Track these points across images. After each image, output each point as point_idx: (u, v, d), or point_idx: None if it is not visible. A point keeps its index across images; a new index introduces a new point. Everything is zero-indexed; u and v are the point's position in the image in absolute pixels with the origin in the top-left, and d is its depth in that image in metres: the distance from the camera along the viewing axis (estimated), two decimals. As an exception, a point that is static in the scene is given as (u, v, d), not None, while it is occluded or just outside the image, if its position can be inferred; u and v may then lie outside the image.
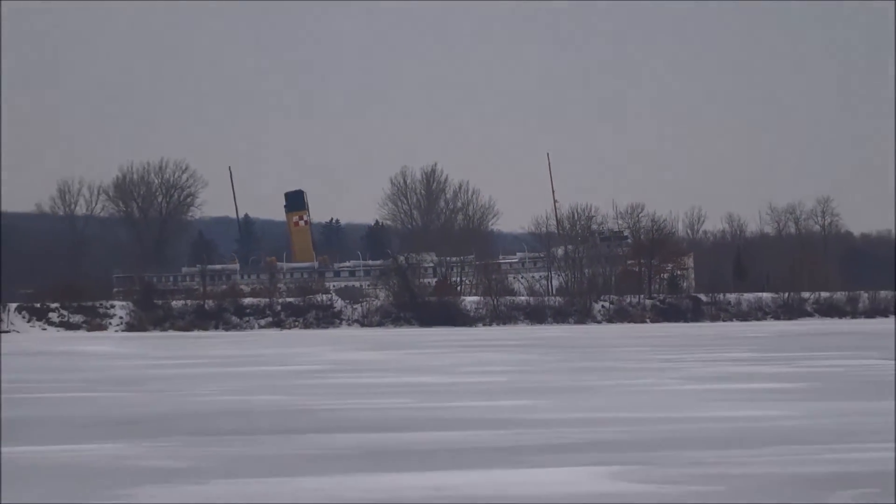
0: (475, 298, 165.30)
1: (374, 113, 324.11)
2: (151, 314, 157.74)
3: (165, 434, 30.65)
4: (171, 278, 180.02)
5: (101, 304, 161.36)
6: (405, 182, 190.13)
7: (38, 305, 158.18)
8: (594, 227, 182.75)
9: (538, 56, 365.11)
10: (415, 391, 45.02)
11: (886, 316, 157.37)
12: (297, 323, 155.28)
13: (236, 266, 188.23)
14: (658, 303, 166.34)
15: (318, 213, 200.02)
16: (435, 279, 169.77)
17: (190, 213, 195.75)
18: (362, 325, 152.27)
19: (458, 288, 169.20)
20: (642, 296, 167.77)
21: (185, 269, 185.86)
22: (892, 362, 58.76)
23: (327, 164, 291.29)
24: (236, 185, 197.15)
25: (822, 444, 25.90)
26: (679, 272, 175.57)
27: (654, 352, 75.75)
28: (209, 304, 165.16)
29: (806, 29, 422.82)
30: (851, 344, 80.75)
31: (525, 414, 35.04)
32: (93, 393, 47.36)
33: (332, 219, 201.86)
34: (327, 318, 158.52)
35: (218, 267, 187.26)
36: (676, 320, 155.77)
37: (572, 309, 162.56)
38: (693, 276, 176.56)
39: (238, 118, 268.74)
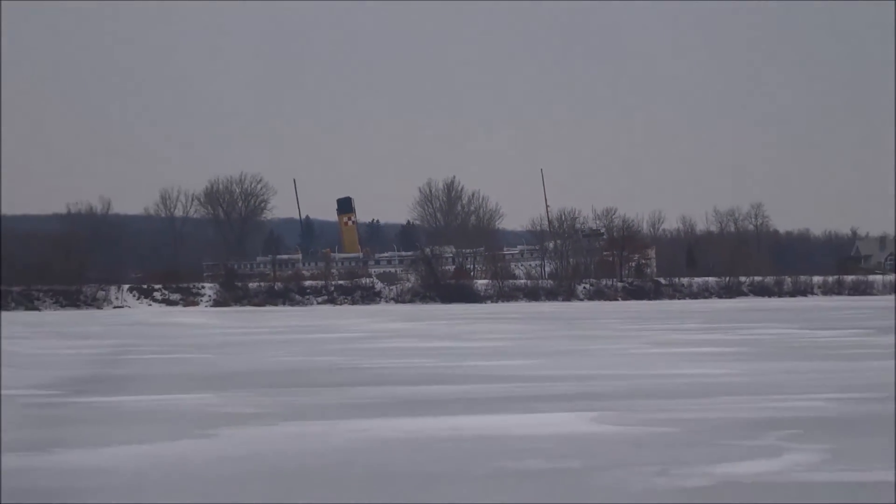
0: (484, 281, 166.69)
1: (403, 130, 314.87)
2: (233, 293, 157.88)
3: (242, 387, 30.74)
4: (249, 266, 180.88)
5: (193, 286, 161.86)
6: (430, 191, 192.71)
7: (145, 286, 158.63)
8: (577, 226, 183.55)
9: (534, 75, 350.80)
10: (437, 353, 44.94)
11: (805, 295, 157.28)
12: (346, 300, 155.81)
13: (299, 256, 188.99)
14: (627, 285, 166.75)
15: (363, 214, 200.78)
16: (453, 266, 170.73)
17: (263, 215, 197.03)
18: (397, 301, 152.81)
19: (472, 273, 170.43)
20: (615, 279, 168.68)
21: (259, 259, 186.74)
22: (811, 331, 58.63)
23: (369, 174, 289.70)
24: (298, 192, 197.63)
25: (756, 395, 25.84)
26: (643, 261, 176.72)
27: (624, 323, 75.36)
28: (278, 285, 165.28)
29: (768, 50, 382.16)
30: (778, 317, 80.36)
31: (523, 371, 34.97)
32: (185, 355, 47.31)
33: (373, 219, 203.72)
34: (369, 296, 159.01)
35: (285, 257, 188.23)
36: (641, 298, 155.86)
37: (560, 289, 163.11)
38: (654, 264, 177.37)
39: (297, 135, 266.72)
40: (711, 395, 26.05)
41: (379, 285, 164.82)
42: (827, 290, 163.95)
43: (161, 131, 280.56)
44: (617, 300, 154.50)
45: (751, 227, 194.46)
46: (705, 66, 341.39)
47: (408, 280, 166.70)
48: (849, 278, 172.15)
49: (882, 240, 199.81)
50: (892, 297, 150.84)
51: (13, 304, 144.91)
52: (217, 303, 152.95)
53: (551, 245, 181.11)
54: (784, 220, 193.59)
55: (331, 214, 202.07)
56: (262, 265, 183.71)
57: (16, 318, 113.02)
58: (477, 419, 22.36)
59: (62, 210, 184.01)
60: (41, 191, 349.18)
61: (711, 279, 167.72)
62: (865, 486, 14.30)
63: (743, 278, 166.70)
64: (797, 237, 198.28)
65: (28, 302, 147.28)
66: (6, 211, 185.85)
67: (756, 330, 61.61)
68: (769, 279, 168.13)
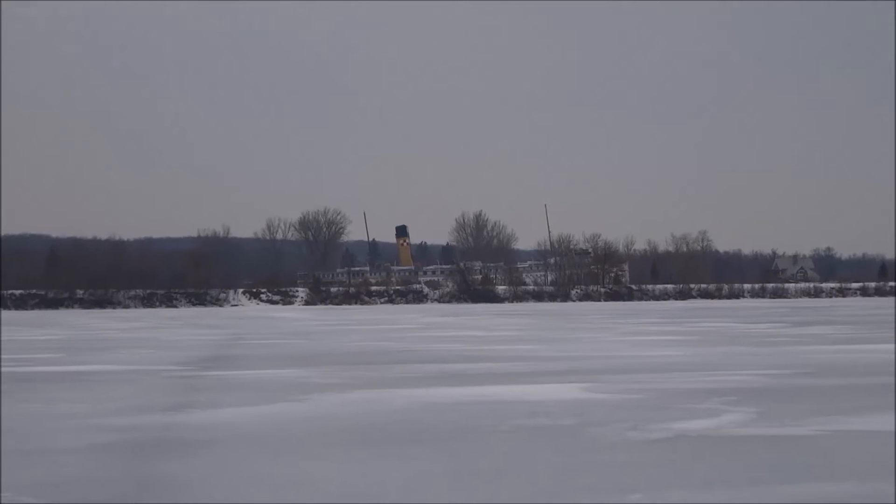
0: (503, 287, 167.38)
1: (443, 167, 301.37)
2: (318, 295, 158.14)
3: (325, 364, 30.54)
4: (330, 275, 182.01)
5: (289, 290, 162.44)
6: (464, 220, 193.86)
7: (254, 290, 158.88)
8: (571, 247, 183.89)
9: (533, 117, 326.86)
10: (468, 339, 44.88)
11: (738, 298, 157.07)
12: (401, 300, 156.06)
13: (367, 268, 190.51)
14: (607, 290, 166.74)
15: (414, 237, 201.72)
16: (480, 276, 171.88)
17: (341, 238, 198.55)
18: (439, 302, 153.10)
19: (493, 281, 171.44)
20: (599, 286, 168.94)
21: (337, 270, 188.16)
22: (743, 324, 58.46)
23: (419, 205, 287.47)
24: (367, 220, 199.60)
25: (702, 371, 25.76)
26: (619, 273, 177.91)
27: (604, 318, 74.86)
28: (351, 290, 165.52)
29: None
30: (718, 314, 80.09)
31: (530, 353, 34.86)
32: (283, 340, 47.23)
33: (422, 241, 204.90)
34: (419, 297, 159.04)
35: (357, 269, 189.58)
36: (618, 300, 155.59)
37: (558, 293, 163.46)
38: (627, 275, 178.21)
39: (366, 174, 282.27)
40: (668, 371, 26.01)
41: (426, 290, 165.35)
42: (754, 295, 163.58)
43: (263, 170, 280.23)
44: (600, 301, 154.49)
45: (698, 247, 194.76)
46: (663, 108, 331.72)
47: (447, 286, 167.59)
48: (770, 286, 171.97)
49: (794, 257, 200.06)
50: (803, 299, 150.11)
51: (157, 303, 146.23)
52: (307, 302, 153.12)
53: (552, 261, 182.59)
54: (722, 242, 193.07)
55: (391, 237, 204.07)
56: (340, 275, 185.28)
57: (159, 314, 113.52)
58: (496, 388, 22.36)
59: (194, 234, 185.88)
60: (179, 218, 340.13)
61: (669, 286, 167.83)
62: (782, 438, 14.32)
63: (692, 285, 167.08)
64: (732, 255, 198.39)
65: (168, 301, 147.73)
66: (154, 234, 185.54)
67: (702, 323, 61.45)
68: (712, 286, 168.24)
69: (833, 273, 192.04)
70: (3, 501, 6.26)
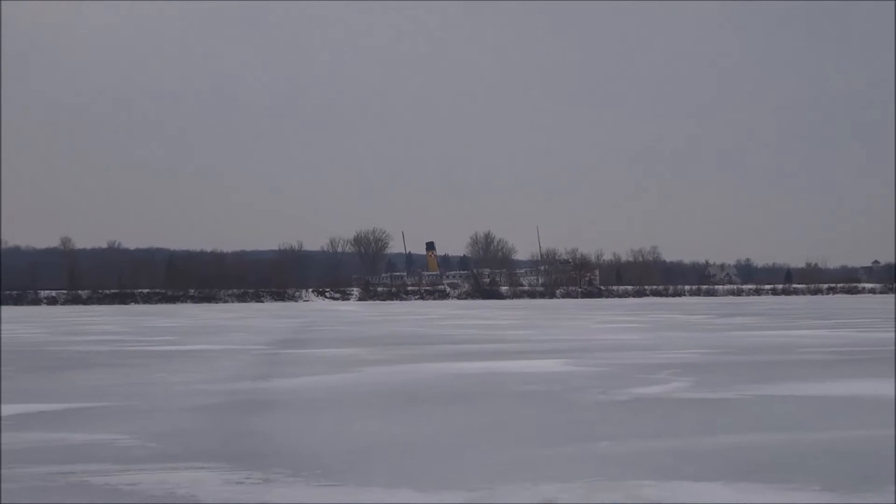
0: (506, 287, 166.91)
1: (459, 193, 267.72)
2: (368, 294, 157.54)
3: (372, 345, 30.31)
4: (377, 278, 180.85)
5: (346, 289, 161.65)
6: (476, 237, 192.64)
7: (320, 289, 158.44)
8: (556, 258, 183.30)
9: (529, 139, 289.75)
10: (479, 327, 44.57)
11: (681, 296, 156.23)
12: (430, 297, 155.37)
13: (404, 274, 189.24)
14: (583, 290, 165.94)
15: (440, 250, 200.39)
16: (488, 279, 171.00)
17: (385, 251, 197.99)
18: (458, 299, 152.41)
19: (498, 283, 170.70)
20: (577, 287, 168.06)
21: (383, 275, 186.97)
22: (685, 316, 58.16)
23: (443, 224, 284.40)
24: (406, 237, 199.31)
25: (653, 350, 25.55)
26: (592, 277, 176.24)
27: (580, 311, 74.45)
28: (393, 289, 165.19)
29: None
30: (666, 308, 79.77)
31: (525, 336, 34.65)
32: (342, 327, 47.04)
33: (445, 253, 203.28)
34: (443, 295, 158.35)
35: (397, 274, 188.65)
36: (591, 297, 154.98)
37: (546, 292, 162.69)
38: (598, 279, 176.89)
39: (404, 199, 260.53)
40: (628, 350, 25.83)
41: (448, 290, 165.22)
42: (692, 294, 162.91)
43: (327, 196, 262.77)
44: (578, 298, 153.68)
45: (650, 258, 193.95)
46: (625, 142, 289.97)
47: (464, 287, 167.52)
48: (704, 287, 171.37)
49: (721, 266, 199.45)
50: (728, 297, 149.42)
51: (249, 299, 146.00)
52: (359, 298, 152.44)
53: (542, 268, 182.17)
54: (668, 254, 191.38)
55: (422, 250, 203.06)
56: (384, 278, 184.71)
57: (250, 307, 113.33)
58: (500, 363, 22.21)
59: (275, 247, 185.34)
60: (265, 234, 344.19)
61: (629, 287, 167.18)
62: (712, 400, 14.24)
63: (646, 287, 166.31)
64: (675, 264, 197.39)
65: (257, 298, 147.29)
66: (246, 248, 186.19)
67: (653, 315, 61.01)
68: (661, 287, 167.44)
69: (751, 277, 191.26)
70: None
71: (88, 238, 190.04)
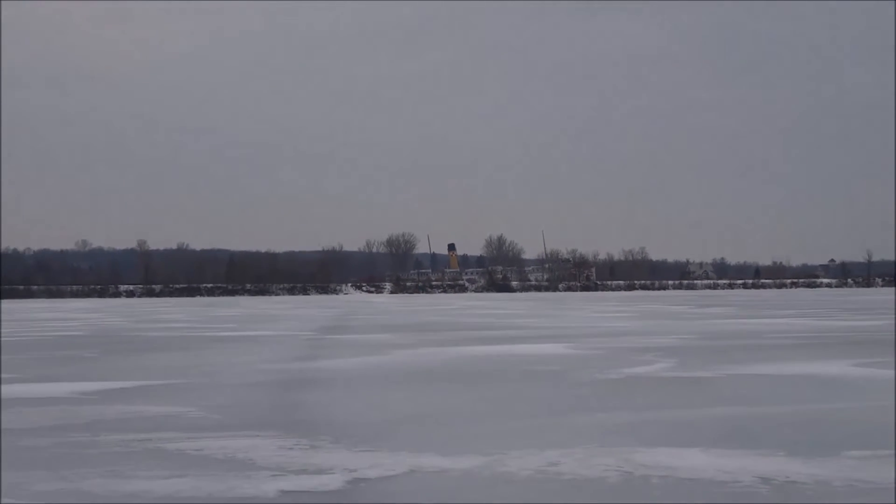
0: (516, 282, 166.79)
1: (475, 201, 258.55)
2: (399, 287, 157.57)
3: (402, 331, 30.24)
4: (406, 275, 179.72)
5: (380, 284, 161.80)
6: (491, 240, 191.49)
7: (358, 284, 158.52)
8: (559, 257, 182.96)
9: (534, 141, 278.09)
10: (493, 315, 44.50)
11: (665, 290, 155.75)
12: (451, 291, 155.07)
13: (429, 271, 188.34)
14: (582, 285, 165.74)
15: (460, 250, 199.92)
16: (501, 275, 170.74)
17: (413, 251, 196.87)
18: (475, 292, 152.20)
19: (509, 279, 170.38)
20: (577, 282, 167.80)
21: (411, 272, 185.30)
22: (667, 307, 58.06)
23: (464, 229, 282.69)
24: (430, 240, 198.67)
25: (642, 335, 25.50)
26: (589, 274, 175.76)
27: (579, 303, 74.29)
28: (419, 284, 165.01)
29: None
30: (653, 300, 79.66)
31: (532, 324, 34.58)
32: (374, 316, 47.02)
33: (465, 253, 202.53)
34: (462, 289, 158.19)
35: (423, 271, 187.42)
36: (588, 291, 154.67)
37: (551, 287, 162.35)
38: (594, 275, 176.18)
39: (430, 205, 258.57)
40: (620, 335, 25.77)
41: (467, 284, 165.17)
42: (675, 287, 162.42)
43: (364, 203, 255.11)
44: (577, 291, 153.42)
45: (640, 257, 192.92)
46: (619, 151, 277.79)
47: (480, 282, 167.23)
48: (685, 282, 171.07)
49: (700, 264, 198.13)
50: (706, 290, 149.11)
51: (297, 292, 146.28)
52: (391, 292, 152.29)
53: (546, 266, 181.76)
54: (655, 254, 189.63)
55: (444, 250, 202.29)
56: (412, 275, 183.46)
57: (297, 299, 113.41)
58: (510, 346, 22.20)
59: (319, 248, 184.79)
60: (311, 235, 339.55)
61: (621, 282, 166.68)
62: (692, 378, 14.20)
63: (636, 282, 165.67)
64: (660, 262, 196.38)
65: (304, 291, 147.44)
66: (294, 248, 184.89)
67: (641, 306, 60.88)
68: (648, 282, 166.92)
69: (725, 274, 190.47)
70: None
71: (161, 240, 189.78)
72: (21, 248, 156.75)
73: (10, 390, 13.62)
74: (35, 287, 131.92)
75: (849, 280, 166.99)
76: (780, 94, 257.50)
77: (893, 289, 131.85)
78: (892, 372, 14.79)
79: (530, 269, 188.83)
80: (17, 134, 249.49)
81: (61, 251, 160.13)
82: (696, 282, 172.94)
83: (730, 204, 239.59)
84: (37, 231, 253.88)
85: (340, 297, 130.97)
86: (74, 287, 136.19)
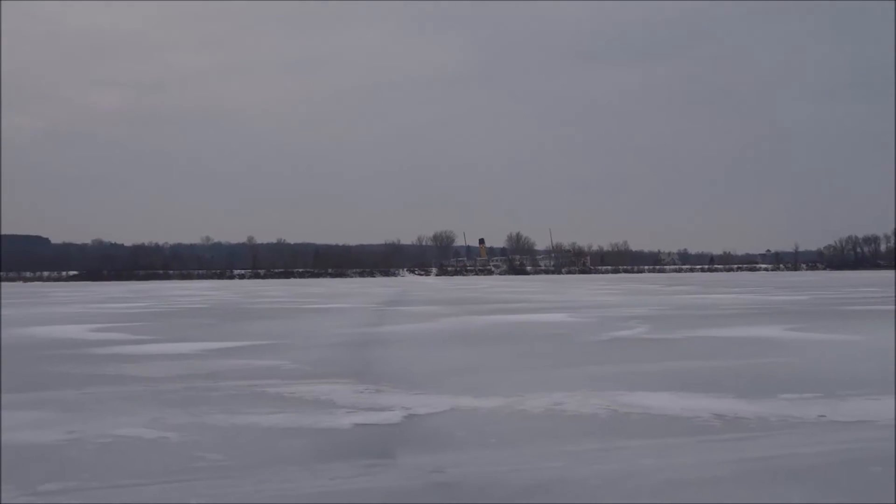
0: (530, 267, 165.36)
1: (501, 205, 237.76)
2: (442, 271, 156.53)
3: (446, 304, 29.98)
4: (447, 262, 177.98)
5: (428, 269, 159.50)
6: (511, 236, 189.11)
7: (412, 269, 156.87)
8: (562, 248, 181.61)
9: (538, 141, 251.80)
10: (511, 292, 44.16)
11: (642, 273, 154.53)
12: (481, 274, 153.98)
13: (465, 258, 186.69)
14: (580, 269, 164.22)
15: (488, 243, 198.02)
16: (519, 263, 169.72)
17: (452, 244, 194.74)
18: (500, 275, 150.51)
19: (525, 265, 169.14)
20: (576, 267, 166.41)
21: (451, 259, 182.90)
22: (646, 285, 57.67)
23: (491, 225, 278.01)
24: (466, 236, 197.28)
25: (625, 307, 25.33)
26: (584, 261, 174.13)
27: (578, 283, 73.84)
28: (458, 268, 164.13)
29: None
30: (635, 281, 79.12)
31: (542, 298, 34.38)
32: (424, 293, 46.75)
33: (491, 245, 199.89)
34: (489, 273, 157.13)
35: (460, 259, 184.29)
36: (584, 274, 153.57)
37: (556, 271, 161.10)
38: (589, 262, 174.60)
39: (465, 207, 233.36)
40: (608, 307, 25.58)
41: (493, 270, 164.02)
42: (650, 272, 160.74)
43: (419, 206, 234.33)
44: (576, 275, 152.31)
45: (623, 248, 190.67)
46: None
47: (503, 268, 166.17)
48: (657, 267, 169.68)
49: (669, 253, 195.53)
50: (673, 273, 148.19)
51: (366, 275, 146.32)
52: (437, 275, 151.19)
53: (553, 255, 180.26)
54: (635, 245, 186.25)
55: (476, 243, 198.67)
56: (452, 262, 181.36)
57: (366, 281, 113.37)
58: (525, 315, 22.09)
59: (382, 241, 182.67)
60: (378, 230, 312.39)
61: (609, 267, 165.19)
62: (665, 339, 14.14)
63: (621, 267, 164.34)
64: (638, 252, 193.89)
65: (371, 275, 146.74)
66: (365, 242, 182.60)
67: (624, 286, 60.39)
68: (629, 267, 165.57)
69: (687, 260, 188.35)
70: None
71: (264, 236, 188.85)
72: (160, 242, 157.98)
73: (151, 349, 13.79)
74: (171, 272, 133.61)
75: (780, 265, 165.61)
76: (730, 123, 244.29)
77: (814, 271, 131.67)
78: (815, 334, 14.74)
79: (540, 257, 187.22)
80: (171, 149, 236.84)
81: (191, 244, 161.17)
82: (665, 267, 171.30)
83: (691, 207, 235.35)
84: (173, 229, 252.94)
85: (398, 278, 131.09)
86: (200, 271, 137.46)
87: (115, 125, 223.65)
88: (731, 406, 7.54)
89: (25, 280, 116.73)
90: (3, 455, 5.99)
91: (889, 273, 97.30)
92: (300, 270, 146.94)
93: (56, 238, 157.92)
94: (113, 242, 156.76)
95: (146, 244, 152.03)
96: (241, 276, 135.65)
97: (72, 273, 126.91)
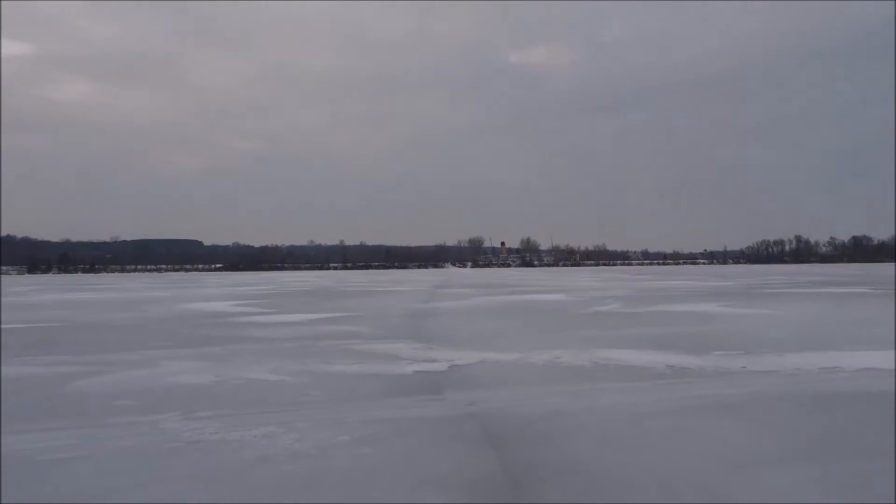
0: (536, 262, 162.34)
1: (516, 216, 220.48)
2: (475, 265, 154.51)
3: (478, 287, 29.20)
4: (478, 258, 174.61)
5: (465, 263, 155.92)
6: (523, 240, 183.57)
7: (454, 263, 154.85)
8: (559, 248, 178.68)
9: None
10: (523, 279, 43.62)
11: (615, 266, 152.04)
12: (503, 267, 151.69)
13: (491, 256, 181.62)
14: (571, 264, 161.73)
15: (508, 244, 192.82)
16: (529, 259, 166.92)
17: (482, 245, 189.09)
18: (515, 268, 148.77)
19: (533, 261, 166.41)
20: (568, 262, 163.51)
21: (481, 256, 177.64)
22: (620, 275, 56.84)
23: (511, 231, 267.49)
24: (490, 240, 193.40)
25: (603, 290, 24.94)
26: (575, 258, 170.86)
27: (569, 273, 73.23)
28: (486, 263, 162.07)
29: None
30: (609, 272, 78.12)
31: (545, 283, 34.00)
32: (461, 279, 46.29)
33: (510, 246, 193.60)
34: (508, 266, 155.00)
35: (487, 256, 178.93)
36: (575, 267, 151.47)
37: (554, 264, 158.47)
38: (578, 258, 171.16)
39: (488, 215, 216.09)
40: (591, 290, 25.11)
41: (510, 264, 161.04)
42: (621, 265, 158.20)
43: (457, 215, 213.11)
44: (568, 268, 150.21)
45: (602, 248, 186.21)
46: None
47: (517, 262, 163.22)
48: (626, 262, 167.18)
49: (634, 253, 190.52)
50: (639, 267, 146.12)
51: (419, 267, 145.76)
52: (471, 267, 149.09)
53: (553, 253, 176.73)
54: (612, 246, 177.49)
55: (499, 244, 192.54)
56: (482, 258, 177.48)
57: (422, 271, 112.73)
58: (533, 296, 21.76)
59: (433, 243, 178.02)
60: (429, 234, 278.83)
61: (592, 262, 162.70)
62: (633, 313, 13.95)
63: (600, 262, 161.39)
64: (614, 251, 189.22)
65: (425, 266, 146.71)
66: (424, 243, 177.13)
67: (603, 275, 59.56)
68: (607, 262, 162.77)
69: (648, 257, 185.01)
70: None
71: (352, 239, 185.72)
72: (279, 244, 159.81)
73: (272, 318, 13.95)
74: (286, 265, 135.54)
75: (714, 261, 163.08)
76: (675, 160, 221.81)
77: (738, 265, 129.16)
78: (738, 309, 14.46)
79: (544, 254, 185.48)
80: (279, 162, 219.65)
81: (301, 245, 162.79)
82: (632, 262, 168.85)
83: (650, 219, 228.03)
84: (288, 233, 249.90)
85: (444, 269, 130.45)
86: (305, 265, 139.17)
87: (251, 164, 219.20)
88: (678, 360, 7.47)
89: (186, 271, 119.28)
90: (166, 390, 6.10)
91: (791, 266, 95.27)
92: (375, 264, 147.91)
93: (207, 241, 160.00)
94: (247, 244, 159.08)
95: (269, 245, 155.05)
96: (335, 268, 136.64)
97: (217, 265, 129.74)
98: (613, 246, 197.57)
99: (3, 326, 12.59)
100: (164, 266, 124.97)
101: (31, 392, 6.18)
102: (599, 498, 3.46)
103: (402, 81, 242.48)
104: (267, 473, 3.85)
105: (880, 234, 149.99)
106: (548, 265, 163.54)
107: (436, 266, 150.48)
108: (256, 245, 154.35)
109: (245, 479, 3.77)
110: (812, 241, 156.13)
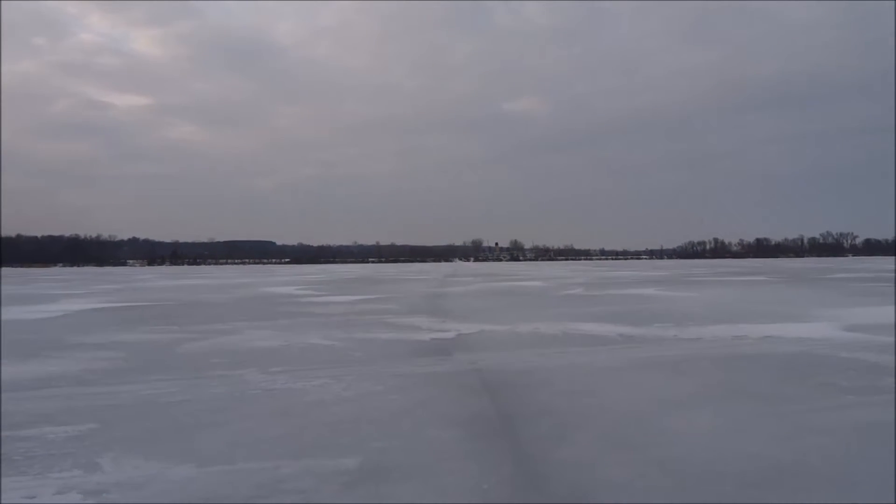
0: (521, 258, 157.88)
1: (511, 219, 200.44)
2: (476, 259, 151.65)
3: (478, 275, 28.43)
4: (478, 255, 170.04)
5: (470, 258, 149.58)
6: (512, 241, 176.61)
7: (465, 258, 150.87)
8: (539, 247, 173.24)
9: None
10: (512, 270, 43.30)
11: (582, 260, 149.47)
12: (496, 261, 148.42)
13: (488, 252, 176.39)
14: (548, 258, 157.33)
15: (501, 243, 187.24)
16: (516, 255, 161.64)
17: (481, 245, 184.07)
18: (506, 262, 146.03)
19: (519, 256, 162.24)
20: (546, 258, 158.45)
21: (481, 253, 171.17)
22: (599, 267, 56.19)
23: (503, 233, 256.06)
24: (487, 241, 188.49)
25: (572, 278, 24.59)
26: (551, 254, 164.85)
27: (547, 266, 72.24)
28: (484, 258, 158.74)
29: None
30: (579, 265, 76.99)
31: (526, 273, 33.66)
32: (467, 270, 45.68)
33: (501, 246, 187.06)
34: (500, 261, 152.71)
35: (484, 253, 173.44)
36: (550, 261, 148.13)
37: (536, 260, 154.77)
38: (553, 255, 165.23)
39: (491, 222, 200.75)
40: (563, 278, 24.71)
41: (503, 259, 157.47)
42: (584, 260, 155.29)
43: (469, 219, 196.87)
44: (546, 261, 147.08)
45: (570, 247, 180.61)
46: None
47: (507, 258, 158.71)
48: (588, 257, 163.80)
49: (594, 250, 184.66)
50: (602, 261, 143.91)
51: (443, 261, 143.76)
52: (473, 261, 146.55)
53: (534, 251, 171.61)
54: (579, 245, 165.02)
55: (493, 244, 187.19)
56: (481, 254, 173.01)
57: (436, 264, 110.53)
58: (517, 282, 21.40)
59: (445, 243, 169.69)
60: (441, 235, 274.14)
61: (564, 258, 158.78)
62: (596, 295, 13.75)
63: (570, 258, 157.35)
64: (579, 249, 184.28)
65: (447, 259, 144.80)
66: (452, 243, 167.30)
67: (571, 267, 58.86)
68: (575, 258, 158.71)
69: (604, 254, 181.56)
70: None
71: (385, 240, 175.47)
72: (331, 244, 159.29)
73: (326, 299, 13.94)
74: (336, 259, 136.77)
75: (652, 257, 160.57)
76: (622, 181, 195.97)
77: (671, 260, 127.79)
78: (672, 292, 14.27)
79: (528, 251, 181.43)
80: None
81: (347, 245, 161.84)
82: (592, 257, 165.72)
83: (605, 223, 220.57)
84: (337, 235, 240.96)
85: (453, 263, 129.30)
86: (350, 259, 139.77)
87: (310, 184, 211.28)
88: (627, 330, 7.42)
89: (263, 264, 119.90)
90: (248, 351, 6.13)
91: (711, 260, 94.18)
92: (403, 259, 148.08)
93: (279, 241, 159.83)
94: (307, 244, 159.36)
95: (324, 245, 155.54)
96: (373, 262, 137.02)
97: (286, 260, 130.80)
98: (579, 245, 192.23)
99: (131, 304, 12.60)
100: (247, 260, 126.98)
101: (152, 353, 6.25)
102: (568, 429, 3.43)
103: (421, 124, 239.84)
104: (322, 413, 3.87)
105: (776, 235, 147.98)
106: (530, 260, 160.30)
107: (447, 260, 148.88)
108: (315, 244, 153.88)
109: (306, 417, 3.80)
110: (726, 241, 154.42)
